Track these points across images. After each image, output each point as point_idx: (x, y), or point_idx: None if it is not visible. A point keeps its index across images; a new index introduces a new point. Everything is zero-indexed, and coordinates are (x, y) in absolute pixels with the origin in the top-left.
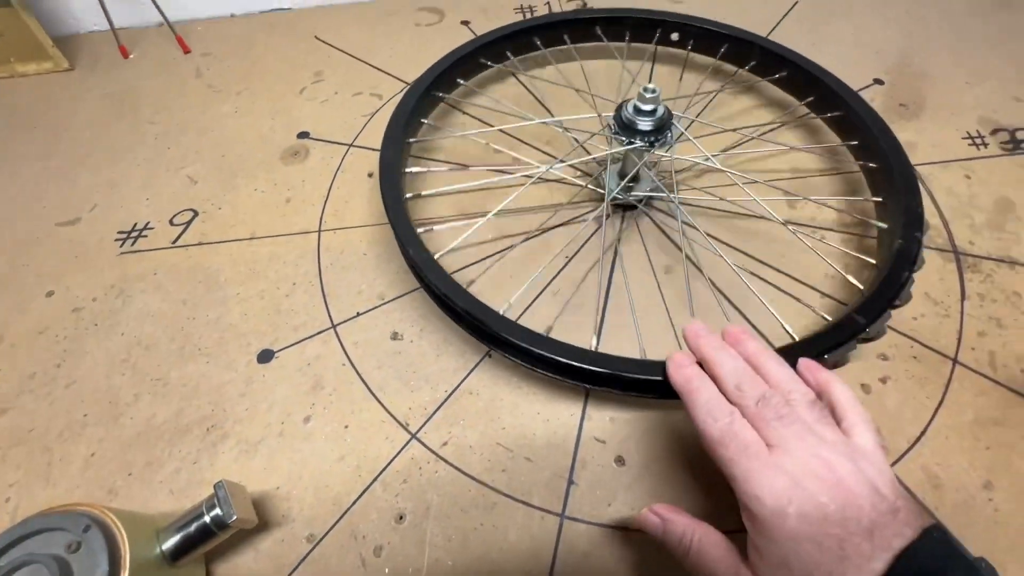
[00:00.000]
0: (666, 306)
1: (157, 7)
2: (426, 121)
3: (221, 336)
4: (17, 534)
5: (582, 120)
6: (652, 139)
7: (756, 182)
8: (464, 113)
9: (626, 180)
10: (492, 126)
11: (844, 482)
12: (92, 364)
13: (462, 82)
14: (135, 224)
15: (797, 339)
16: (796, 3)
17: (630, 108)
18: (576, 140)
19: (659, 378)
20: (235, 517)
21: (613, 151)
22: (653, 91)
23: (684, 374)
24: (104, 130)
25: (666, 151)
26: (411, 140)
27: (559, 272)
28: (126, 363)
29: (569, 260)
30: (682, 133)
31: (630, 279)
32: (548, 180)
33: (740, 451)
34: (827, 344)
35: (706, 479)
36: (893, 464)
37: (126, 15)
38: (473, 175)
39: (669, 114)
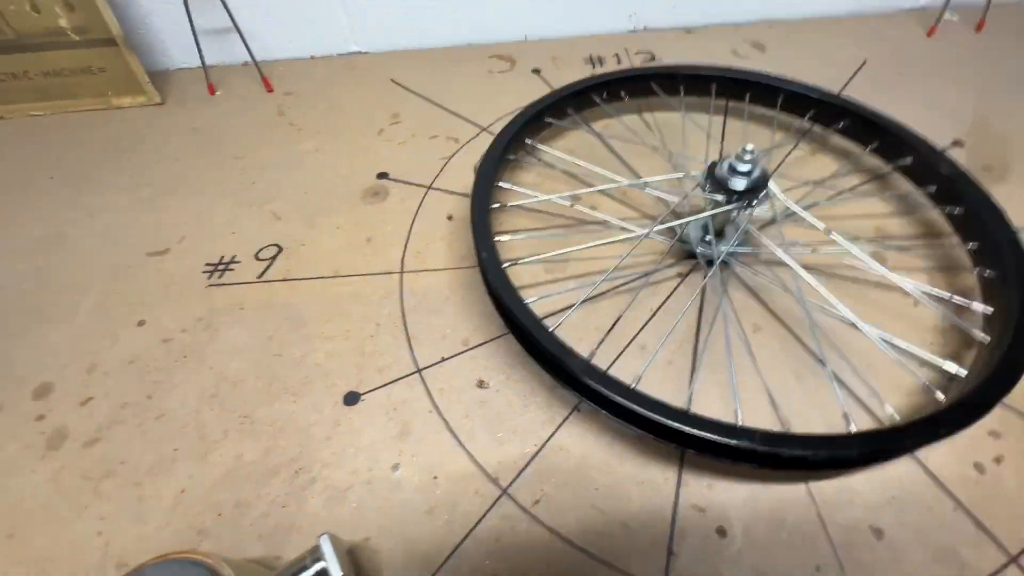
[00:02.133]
0: (756, 366)
1: (247, 47)
2: (503, 185)
3: (307, 376)
4: None
5: (665, 180)
6: (749, 199)
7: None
8: (541, 162)
9: (723, 236)
10: (573, 181)
11: None
12: (182, 397)
13: (530, 142)
14: (222, 257)
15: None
16: (864, 63)
17: (725, 167)
18: (666, 202)
19: (762, 449)
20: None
21: (715, 211)
22: (752, 152)
23: None
24: (191, 163)
25: (768, 215)
26: (499, 184)
27: (644, 326)
28: (214, 398)
29: (654, 313)
30: (769, 190)
31: (716, 336)
32: (633, 237)
33: None
34: (948, 426)
35: (812, 561)
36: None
37: (215, 53)
38: (555, 234)
39: (765, 175)
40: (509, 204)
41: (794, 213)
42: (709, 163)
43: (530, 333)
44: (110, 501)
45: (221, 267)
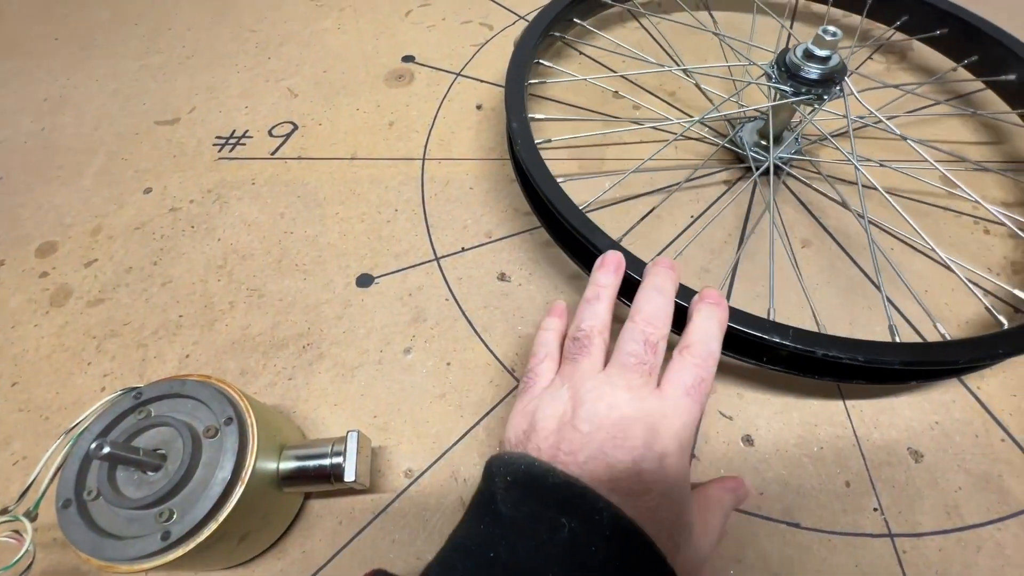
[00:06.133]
0: (802, 284)
1: None
2: (543, 62)
3: (319, 255)
4: (175, 389)
5: (723, 69)
6: (819, 92)
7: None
8: (582, 54)
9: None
10: (615, 72)
11: None
12: (188, 266)
13: (578, 22)
14: (233, 131)
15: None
16: None
17: (799, 52)
18: (721, 98)
19: (803, 350)
20: (355, 479)
21: (779, 102)
22: (834, 34)
23: None
24: (205, 33)
25: (835, 108)
26: (538, 61)
27: (682, 232)
28: (222, 269)
29: (694, 220)
30: (845, 87)
31: (759, 248)
32: (685, 138)
33: None
34: (1009, 346)
35: (842, 476)
36: None
37: None
38: (591, 125)
39: (843, 65)
40: (548, 80)
41: (861, 126)
42: (779, 50)
43: (556, 208)
44: (114, 360)
45: (232, 141)
